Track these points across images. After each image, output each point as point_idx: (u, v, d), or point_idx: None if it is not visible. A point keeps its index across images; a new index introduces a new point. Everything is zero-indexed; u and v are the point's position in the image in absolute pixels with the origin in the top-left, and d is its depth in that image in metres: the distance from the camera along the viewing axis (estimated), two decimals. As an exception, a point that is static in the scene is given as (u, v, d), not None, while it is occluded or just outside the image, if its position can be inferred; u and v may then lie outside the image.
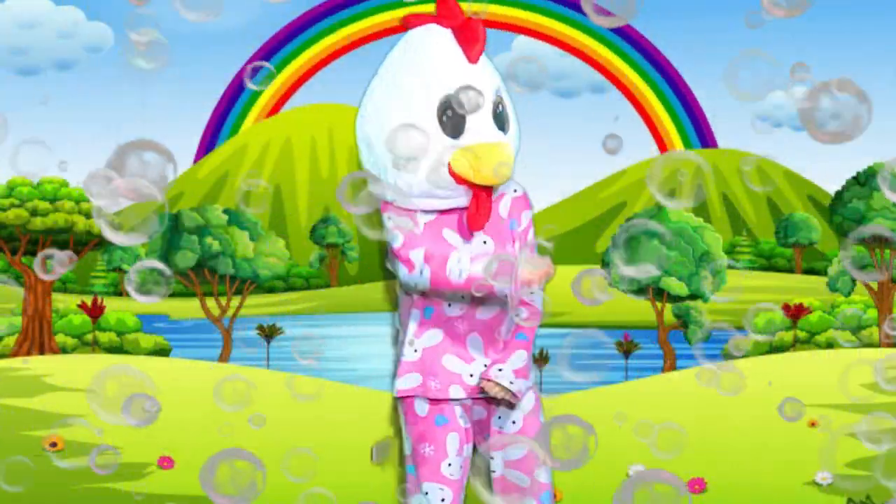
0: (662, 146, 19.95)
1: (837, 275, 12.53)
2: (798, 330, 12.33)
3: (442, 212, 3.43)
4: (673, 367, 12.21)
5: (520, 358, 3.53)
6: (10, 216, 11.70)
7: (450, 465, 3.46)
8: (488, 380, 3.40)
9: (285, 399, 8.09)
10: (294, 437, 6.90)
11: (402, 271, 3.37)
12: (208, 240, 12.22)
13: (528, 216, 3.66)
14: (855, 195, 12.74)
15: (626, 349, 12.12)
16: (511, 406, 3.50)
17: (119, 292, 15.65)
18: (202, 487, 3.42)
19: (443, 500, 3.40)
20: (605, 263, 12.23)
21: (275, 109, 19.65)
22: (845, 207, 13.03)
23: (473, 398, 3.52)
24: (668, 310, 12.23)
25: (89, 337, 12.22)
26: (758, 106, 19.09)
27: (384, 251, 3.54)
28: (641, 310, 12.13)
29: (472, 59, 3.43)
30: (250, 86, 3.80)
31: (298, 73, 19.49)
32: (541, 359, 11.72)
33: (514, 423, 3.51)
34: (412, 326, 3.47)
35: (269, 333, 12.45)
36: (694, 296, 12.03)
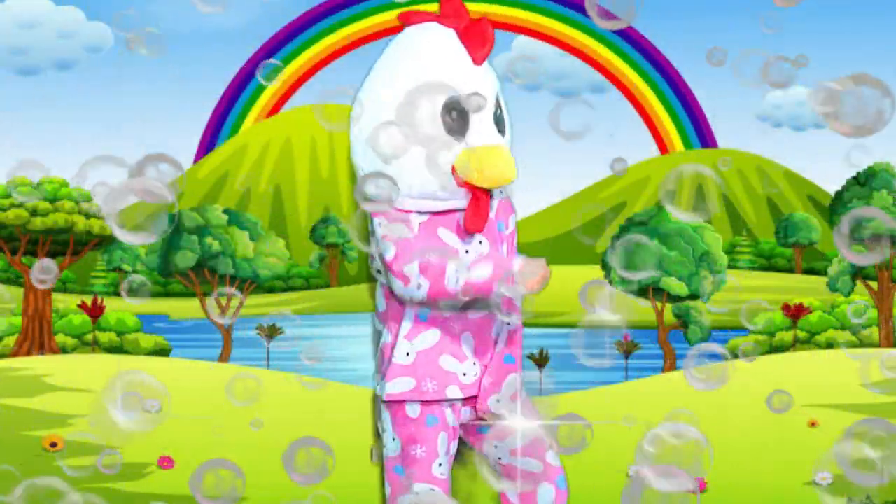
0: (662, 146, 19.96)
1: (837, 275, 12.54)
2: (798, 330, 12.34)
3: (436, 212, 3.41)
4: (673, 367, 12.23)
5: (513, 384, 3.54)
6: (10, 216, 11.71)
7: (440, 465, 3.46)
8: (487, 411, 3.40)
9: (286, 399, 8.10)
10: (294, 436, 6.91)
11: (397, 285, 3.30)
12: (208, 240, 12.22)
13: (514, 220, 3.65)
14: (855, 195, 12.75)
15: (626, 349, 12.13)
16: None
17: (119, 292, 15.67)
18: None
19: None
20: (605, 265, 12.25)
21: (275, 109, 19.67)
22: (845, 207, 13.03)
23: (465, 399, 3.51)
24: (668, 310, 12.25)
25: (89, 337, 12.23)
26: (758, 106, 19.04)
27: (370, 256, 3.49)
28: (641, 310, 12.15)
29: (479, 61, 3.40)
30: (260, 80, 3.80)
31: (298, 73, 19.50)
32: (541, 358, 11.73)
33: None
34: (405, 328, 3.42)
35: (269, 333, 12.47)
36: (694, 296, 12.04)
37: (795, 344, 12.36)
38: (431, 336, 3.41)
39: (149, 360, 11.44)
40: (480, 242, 3.43)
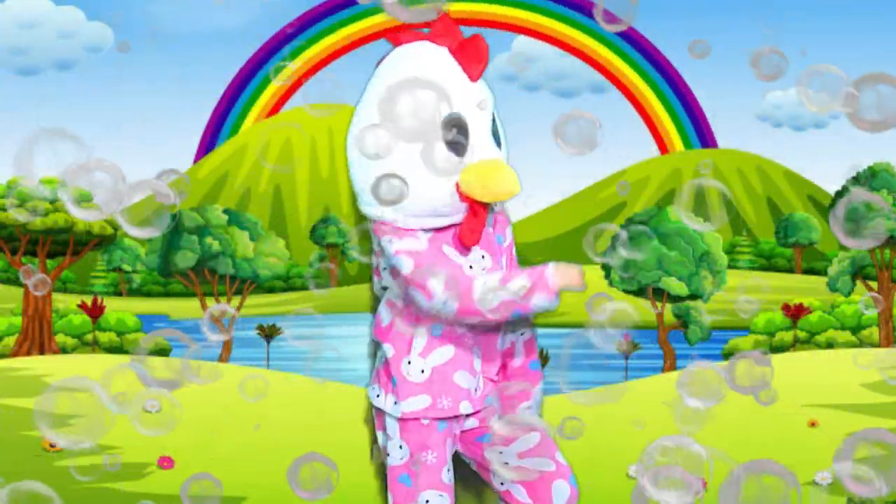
0: (662, 146, 19.97)
1: (837, 275, 12.54)
2: (798, 330, 12.35)
3: (438, 229, 3.39)
4: (673, 367, 12.22)
5: (539, 393, 3.58)
6: (10, 216, 11.71)
7: (448, 470, 3.44)
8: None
9: (286, 399, 8.10)
10: (294, 436, 6.92)
11: (420, 299, 3.25)
12: (208, 240, 12.22)
13: (511, 232, 3.64)
14: (855, 195, 12.74)
15: (626, 349, 12.13)
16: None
17: (119, 292, 15.66)
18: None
19: None
20: (604, 265, 12.24)
21: (275, 109, 19.67)
22: (845, 207, 13.03)
23: (476, 411, 3.50)
24: (668, 310, 12.24)
25: (89, 337, 12.23)
26: (758, 106, 19.04)
27: (376, 271, 3.46)
28: (641, 310, 12.15)
29: (475, 77, 3.39)
30: (273, 80, 3.80)
31: (298, 73, 19.50)
32: (541, 358, 11.70)
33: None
34: (418, 344, 3.37)
35: (269, 333, 12.47)
36: (694, 296, 12.04)
37: (795, 344, 12.36)
38: (447, 352, 3.38)
39: (148, 360, 11.43)
40: (483, 257, 3.42)
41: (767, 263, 16.91)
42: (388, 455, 3.42)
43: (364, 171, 3.34)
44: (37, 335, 11.90)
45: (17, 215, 11.17)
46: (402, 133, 3.21)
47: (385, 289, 3.46)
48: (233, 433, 7.04)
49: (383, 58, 3.45)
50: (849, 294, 12.54)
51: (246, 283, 12.37)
